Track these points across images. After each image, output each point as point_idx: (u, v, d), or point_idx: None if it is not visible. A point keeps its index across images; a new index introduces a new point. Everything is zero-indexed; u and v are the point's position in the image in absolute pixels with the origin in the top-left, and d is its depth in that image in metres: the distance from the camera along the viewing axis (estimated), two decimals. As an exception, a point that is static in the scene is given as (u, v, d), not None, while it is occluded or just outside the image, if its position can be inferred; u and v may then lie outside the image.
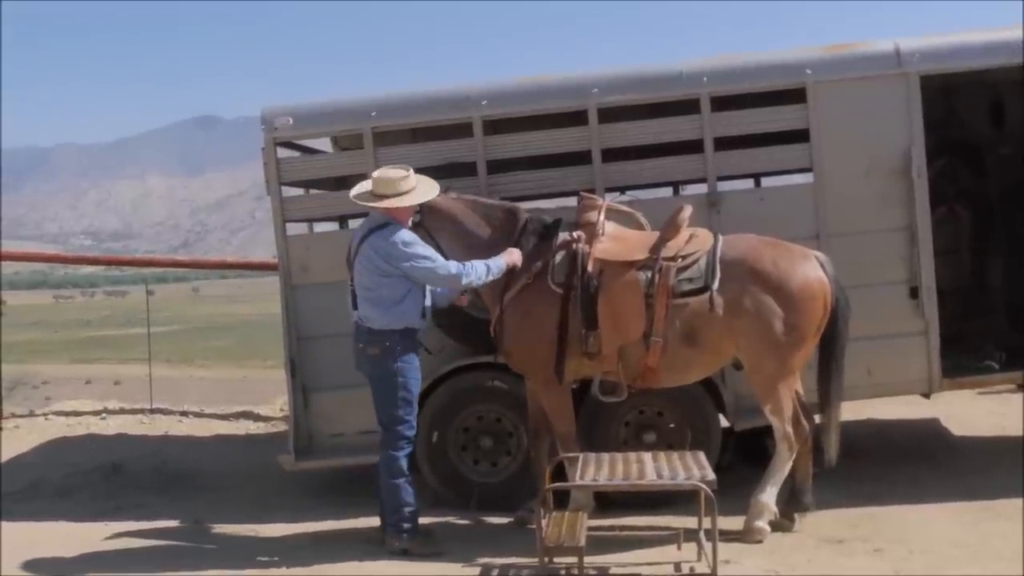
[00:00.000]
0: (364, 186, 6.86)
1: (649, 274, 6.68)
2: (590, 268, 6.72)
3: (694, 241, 6.79)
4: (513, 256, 6.81)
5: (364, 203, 6.78)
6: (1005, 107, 9.52)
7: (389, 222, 6.68)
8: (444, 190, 7.08)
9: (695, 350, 6.71)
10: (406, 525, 6.70)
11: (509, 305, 6.85)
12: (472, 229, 6.99)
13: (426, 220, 6.98)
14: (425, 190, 6.84)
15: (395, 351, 6.65)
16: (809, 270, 6.72)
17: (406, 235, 6.64)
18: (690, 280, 6.68)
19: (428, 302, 6.83)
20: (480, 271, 6.65)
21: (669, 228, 6.83)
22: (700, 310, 6.63)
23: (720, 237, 6.85)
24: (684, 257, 6.72)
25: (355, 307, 6.79)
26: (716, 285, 6.62)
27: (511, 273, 6.85)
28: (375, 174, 6.81)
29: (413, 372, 6.74)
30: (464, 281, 6.63)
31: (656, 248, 6.74)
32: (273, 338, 11.70)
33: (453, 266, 6.63)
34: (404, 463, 6.74)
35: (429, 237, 6.94)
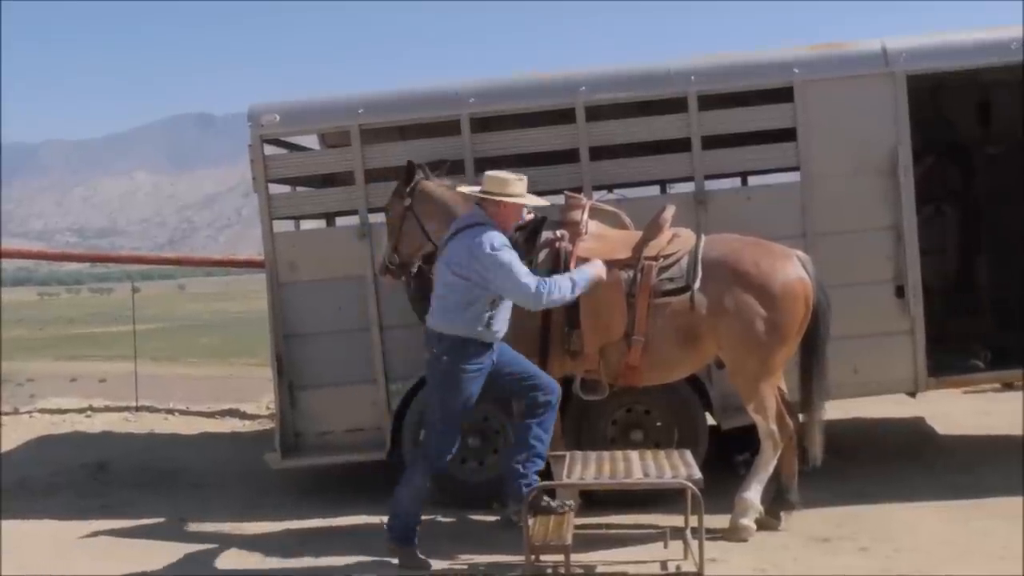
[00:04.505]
0: (475, 188, 6.62)
1: (631, 273, 6.68)
2: (573, 266, 6.71)
3: (676, 241, 6.80)
4: (599, 269, 6.52)
5: (484, 194, 6.40)
6: (992, 107, 9.55)
7: (484, 223, 6.34)
8: (436, 174, 7.11)
9: (676, 349, 6.72)
10: (398, 532, 6.51)
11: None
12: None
13: (416, 206, 6.97)
14: (533, 201, 6.57)
15: (441, 359, 6.28)
16: (790, 270, 6.72)
17: (497, 239, 6.22)
18: (672, 280, 6.69)
19: (501, 316, 6.37)
20: (564, 288, 6.26)
21: (652, 228, 6.83)
22: (682, 309, 6.64)
23: (703, 237, 6.86)
24: (666, 257, 6.73)
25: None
26: (697, 284, 6.63)
27: None
28: (489, 173, 6.48)
29: (458, 386, 6.30)
30: (544, 301, 6.23)
31: (638, 247, 6.75)
32: (260, 336, 11.67)
33: (534, 283, 6.17)
34: (419, 474, 6.49)
35: (418, 223, 6.95)
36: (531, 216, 6.82)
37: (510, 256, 6.22)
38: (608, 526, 6.81)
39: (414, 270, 7.13)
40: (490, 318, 6.29)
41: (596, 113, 7.72)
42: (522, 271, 6.21)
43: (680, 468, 5.97)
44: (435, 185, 7.04)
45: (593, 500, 6.98)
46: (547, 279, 6.27)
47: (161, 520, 7.76)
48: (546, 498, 6.19)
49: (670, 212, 6.88)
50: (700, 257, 6.68)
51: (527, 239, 6.92)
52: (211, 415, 11.76)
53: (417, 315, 7.48)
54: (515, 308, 6.64)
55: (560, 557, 5.78)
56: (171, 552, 6.97)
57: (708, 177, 7.82)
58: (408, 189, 7.00)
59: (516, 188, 6.38)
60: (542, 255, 6.84)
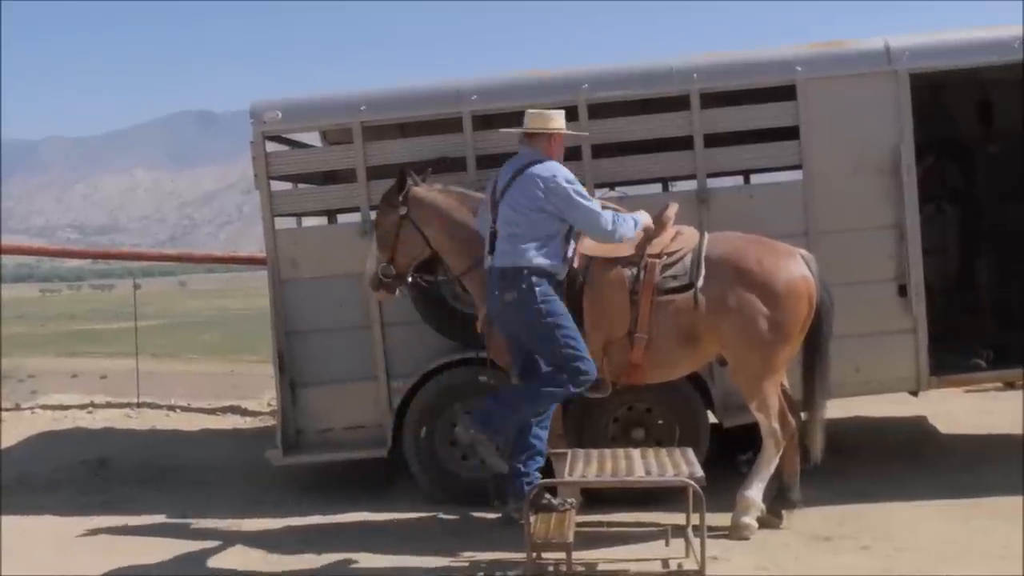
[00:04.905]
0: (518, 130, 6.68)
1: (634, 271, 6.67)
2: (576, 264, 6.70)
3: (679, 238, 6.78)
4: (649, 219, 6.68)
5: (534, 130, 6.48)
6: (994, 106, 9.54)
7: (543, 159, 6.41)
8: (422, 180, 7.06)
9: (679, 347, 6.70)
10: (489, 430, 6.29)
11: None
12: (463, 222, 6.89)
13: (413, 212, 6.90)
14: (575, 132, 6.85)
15: (533, 291, 6.23)
16: (794, 268, 6.72)
17: (567, 172, 6.39)
18: (675, 277, 6.67)
19: (571, 250, 6.52)
20: (629, 226, 6.44)
21: (655, 225, 6.82)
22: (685, 307, 6.62)
23: (706, 235, 6.85)
24: (669, 254, 6.71)
25: (491, 251, 6.46)
26: (700, 282, 6.62)
27: None
28: (530, 111, 6.59)
29: (561, 309, 6.32)
30: (617, 235, 6.37)
31: (641, 245, 6.72)
32: (261, 333, 11.66)
33: (609, 215, 6.35)
34: (553, 394, 6.31)
35: (416, 230, 6.89)
36: None
37: (582, 189, 6.40)
38: (609, 524, 6.81)
39: (410, 280, 7.06)
40: (565, 252, 6.44)
41: (598, 111, 7.71)
42: (597, 204, 6.41)
43: (682, 466, 5.97)
44: (427, 190, 6.99)
45: (594, 498, 6.97)
46: (617, 215, 6.44)
47: (162, 517, 7.77)
48: (547, 495, 6.19)
49: (673, 210, 6.86)
50: (703, 255, 6.67)
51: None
52: (212, 412, 11.74)
53: (427, 321, 7.49)
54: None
55: (562, 555, 5.79)
56: (172, 549, 6.97)
57: (710, 175, 7.81)
58: (401, 197, 6.93)
59: (559, 121, 6.56)
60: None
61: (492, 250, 6.45)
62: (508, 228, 6.37)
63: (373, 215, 7.66)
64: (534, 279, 6.27)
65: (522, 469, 6.32)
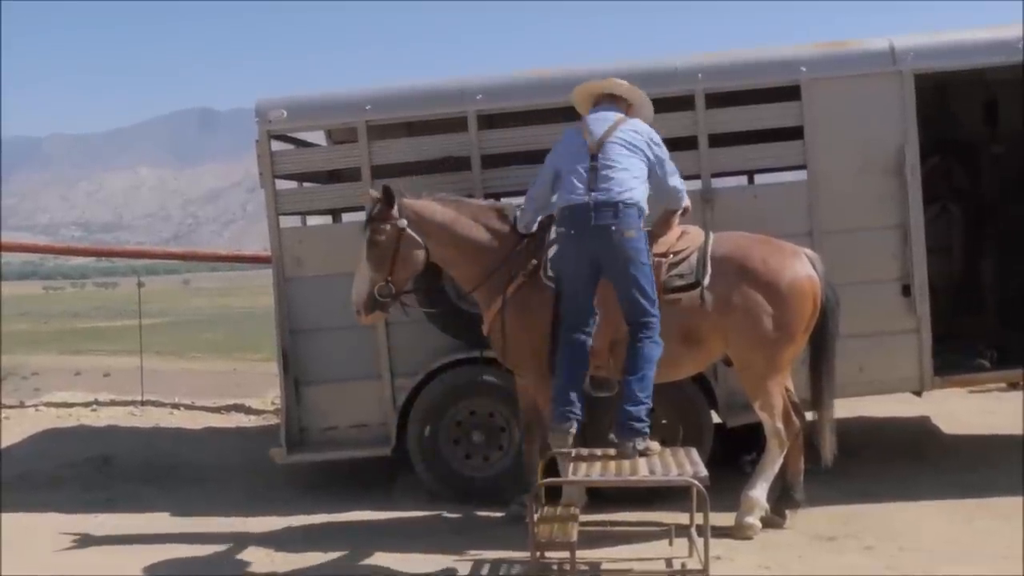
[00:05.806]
0: (590, 89, 6.92)
1: (641, 269, 6.65)
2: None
3: (685, 238, 6.79)
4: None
5: (623, 93, 6.78)
6: (999, 106, 9.54)
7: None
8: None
9: (685, 346, 6.69)
10: (644, 423, 6.32)
11: (508, 301, 6.72)
12: (465, 232, 6.82)
13: (413, 225, 6.76)
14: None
15: (643, 231, 6.42)
16: (799, 268, 6.72)
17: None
18: (681, 276, 6.66)
19: None
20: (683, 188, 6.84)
21: (661, 224, 6.82)
22: (690, 306, 6.62)
23: (711, 234, 6.85)
24: (675, 253, 6.71)
25: (592, 189, 6.34)
26: (707, 281, 6.61)
27: (511, 270, 6.78)
28: (615, 79, 6.86)
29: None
30: (684, 195, 6.78)
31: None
32: (264, 331, 11.66)
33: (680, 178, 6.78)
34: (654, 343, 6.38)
35: (418, 242, 6.76)
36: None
37: None
38: (613, 523, 6.80)
39: (406, 300, 6.97)
40: None
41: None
42: None
43: (686, 465, 5.97)
44: (422, 201, 6.88)
45: (598, 497, 6.98)
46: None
47: (166, 515, 7.78)
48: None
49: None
50: (709, 254, 6.67)
51: (535, 236, 6.86)
52: (216, 410, 11.75)
53: (431, 320, 7.47)
54: (525, 307, 6.61)
55: (565, 554, 5.78)
56: (176, 547, 6.98)
57: (715, 175, 7.80)
58: (396, 211, 6.75)
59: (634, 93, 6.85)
60: (552, 252, 6.77)
61: (594, 187, 6.35)
62: (620, 166, 6.43)
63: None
64: (643, 218, 6.43)
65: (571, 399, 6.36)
